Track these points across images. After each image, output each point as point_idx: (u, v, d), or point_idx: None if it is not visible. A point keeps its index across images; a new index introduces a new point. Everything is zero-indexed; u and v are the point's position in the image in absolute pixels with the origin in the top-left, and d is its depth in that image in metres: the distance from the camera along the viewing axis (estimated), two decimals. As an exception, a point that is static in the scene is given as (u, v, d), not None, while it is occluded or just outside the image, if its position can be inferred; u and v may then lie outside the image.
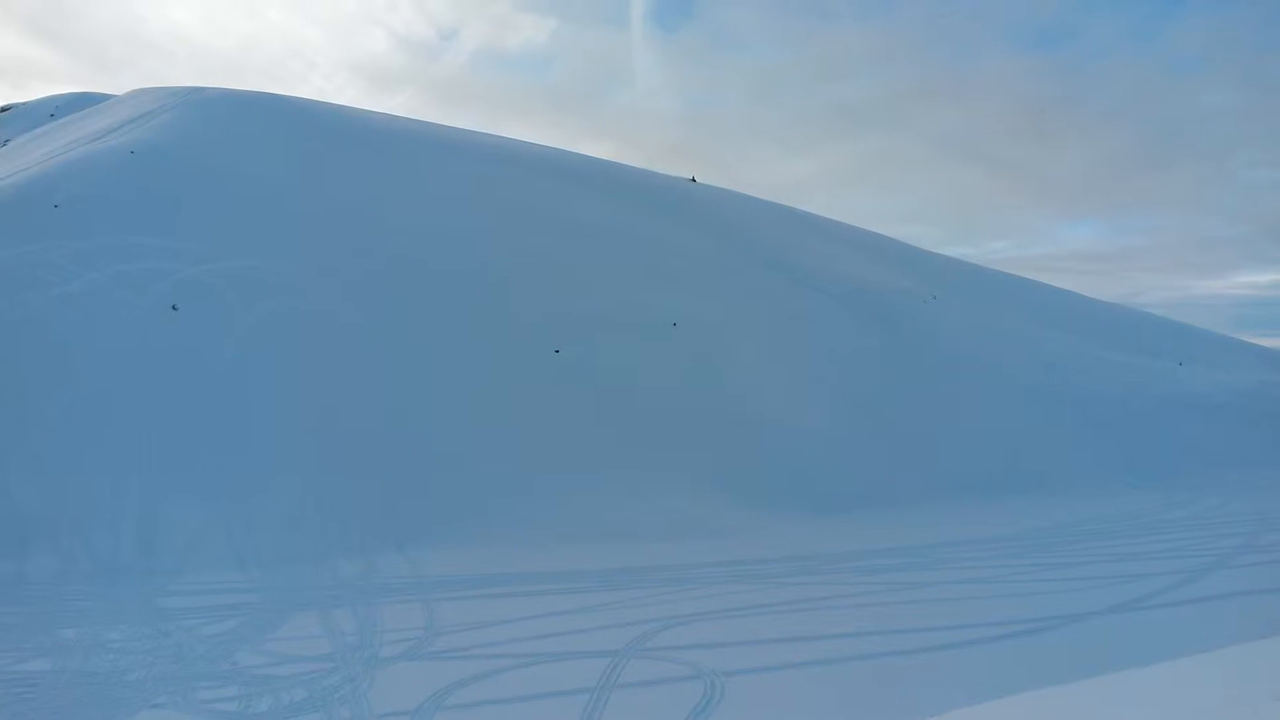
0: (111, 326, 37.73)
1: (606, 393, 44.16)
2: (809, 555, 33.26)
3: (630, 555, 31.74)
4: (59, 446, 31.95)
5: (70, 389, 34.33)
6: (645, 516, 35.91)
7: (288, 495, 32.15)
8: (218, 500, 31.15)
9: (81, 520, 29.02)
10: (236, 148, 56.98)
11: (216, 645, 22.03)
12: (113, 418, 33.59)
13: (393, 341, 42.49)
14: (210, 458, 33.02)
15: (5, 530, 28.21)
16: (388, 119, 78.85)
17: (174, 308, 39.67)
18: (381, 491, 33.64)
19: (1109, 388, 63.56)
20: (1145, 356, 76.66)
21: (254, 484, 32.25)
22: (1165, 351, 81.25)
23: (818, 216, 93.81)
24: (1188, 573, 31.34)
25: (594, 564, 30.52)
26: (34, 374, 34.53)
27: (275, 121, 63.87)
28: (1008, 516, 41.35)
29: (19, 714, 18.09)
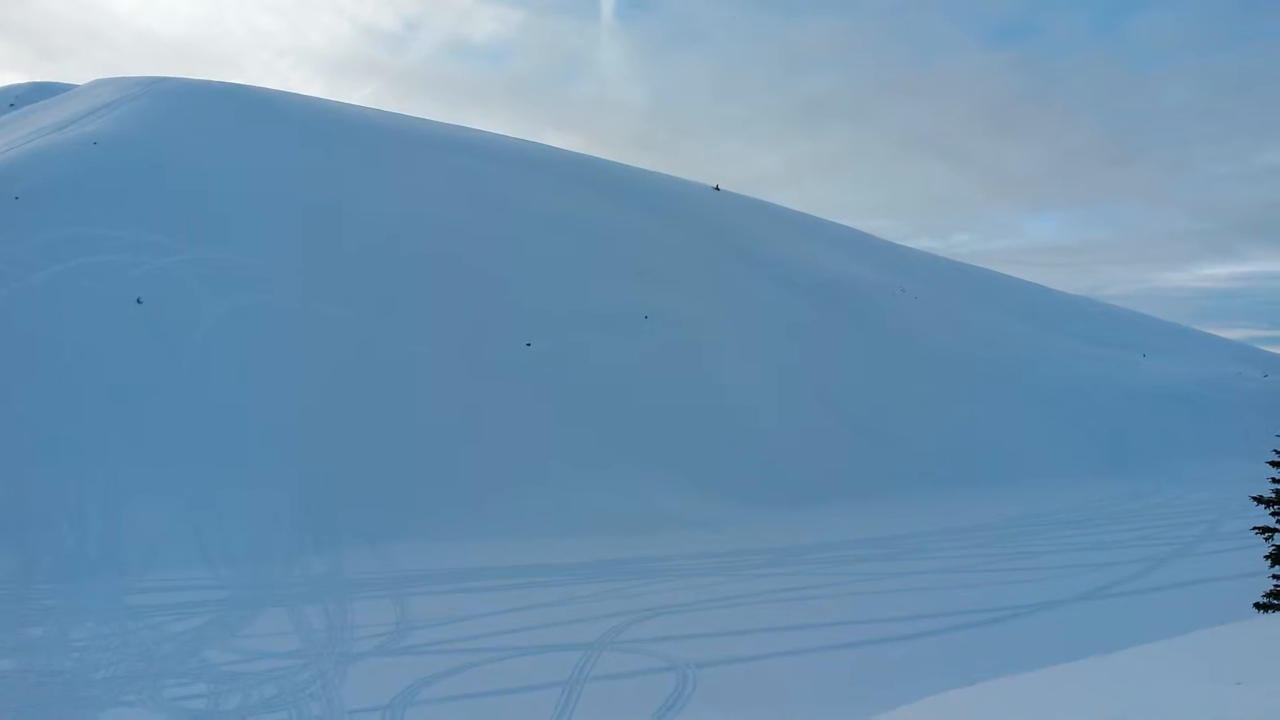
0: (75, 320, 37.13)
1: (579, 387, 44.09)
2: (783, 547, 33.45)
3: (604, 548, 31.77)
4: (22, 442, 31.43)
5: (33, 383, 33.77)
6: (619, 510, 35.93)
7: (257, 491, 31.83)
8: (185, 496, 30.79)
9: (46, 517, 28.57)
10: (202, 139, 56.21)
11: (184, 642, 21.80)
12: (77, 413, 33.08)
13: (363, 335, 42.15)
14: (177, 453, 32.62)
15: (-33, 528, 27.71)
16: (356, 110, 78.12)
17: (139, 300, 39.12)
18: (353, 487, 33.40)
19: (1075, 380, 64.36)
20: (1110, 349, 77.69)
21: (223, 480, 31.91)
22: (1130, 344, 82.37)
23: (787, 210, 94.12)
24: (1152, 560, 31.87)
25: (568, 557, 30.52)
26: (-5, 369, 33.92)
27: (241, 112, 63.06)
28: (978, 506, 41.80)
29: (-18, 714, 17.82)
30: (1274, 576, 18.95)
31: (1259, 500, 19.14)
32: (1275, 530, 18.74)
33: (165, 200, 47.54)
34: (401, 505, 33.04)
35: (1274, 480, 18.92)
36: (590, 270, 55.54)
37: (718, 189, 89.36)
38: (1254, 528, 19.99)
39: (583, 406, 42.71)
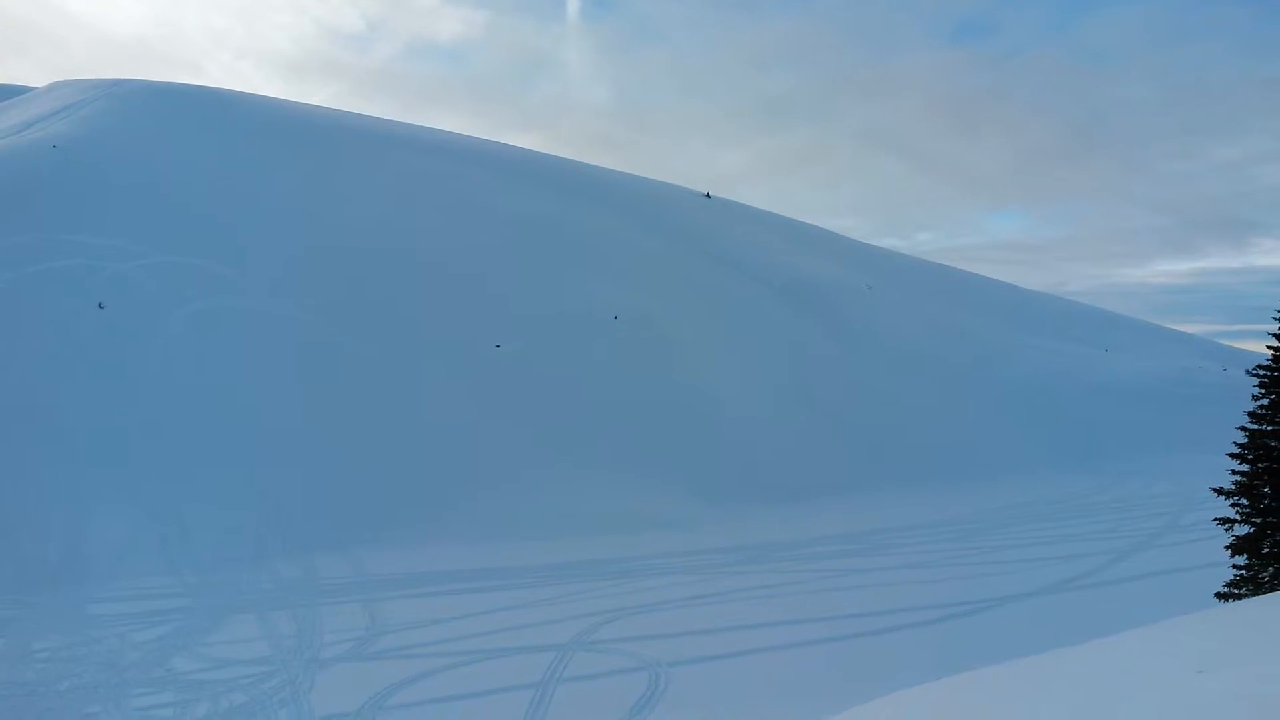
0: (36, 325, 36.47)
1: (550, 387, 43.98)
2: (756, 544, 33.55)
3: (577, 549, 31.70)
4: (-19, 451, 30.79)
5: (-8, 391, 33.10)
6: (593, 511, 35.88)
7: (224, 498, 31.44)
8: (150, 503, 30.34)
9: (6, 525, 28.02)
10: (164, 141, 55.46)
11: (150, 651, 21.47)
12: (38, 420, 32.47)
13: (330, 338, 41.77)
14: (142, 461, 32.13)
15: (-76, 539, 27.12)
16: (319, 111, 77.44)
17: (100, 306, 38.50)
18: (322, 492, 33.08)
19: (1041, 376, 65.17)
20: (1074, 344, 78.75)
21: (188, 486, 31.47)
22: (1092, 339, 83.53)
23: (754, 209, 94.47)
24: (1117, 553, 32.32)
25: (541, 559, 30.42)
26: (-48, 377, 33.23)
27: (203, 114, 62.30)
28: (949, 501, 42.20)
29: (-58, 729, 17.45)
30: (1234, 566, 19.25)
31: (1219, 492, 19.43)
32: (1235, 521, 19.05)
33: (127, 204, 46.84)
34: (372, 510, 32.77)
35: (1234, 472, 19.23)
36: (559, 271, 55.42)
37: (708, 196, 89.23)
38: (1215, 519, 20.30)
39: (554, 407, 42.60)
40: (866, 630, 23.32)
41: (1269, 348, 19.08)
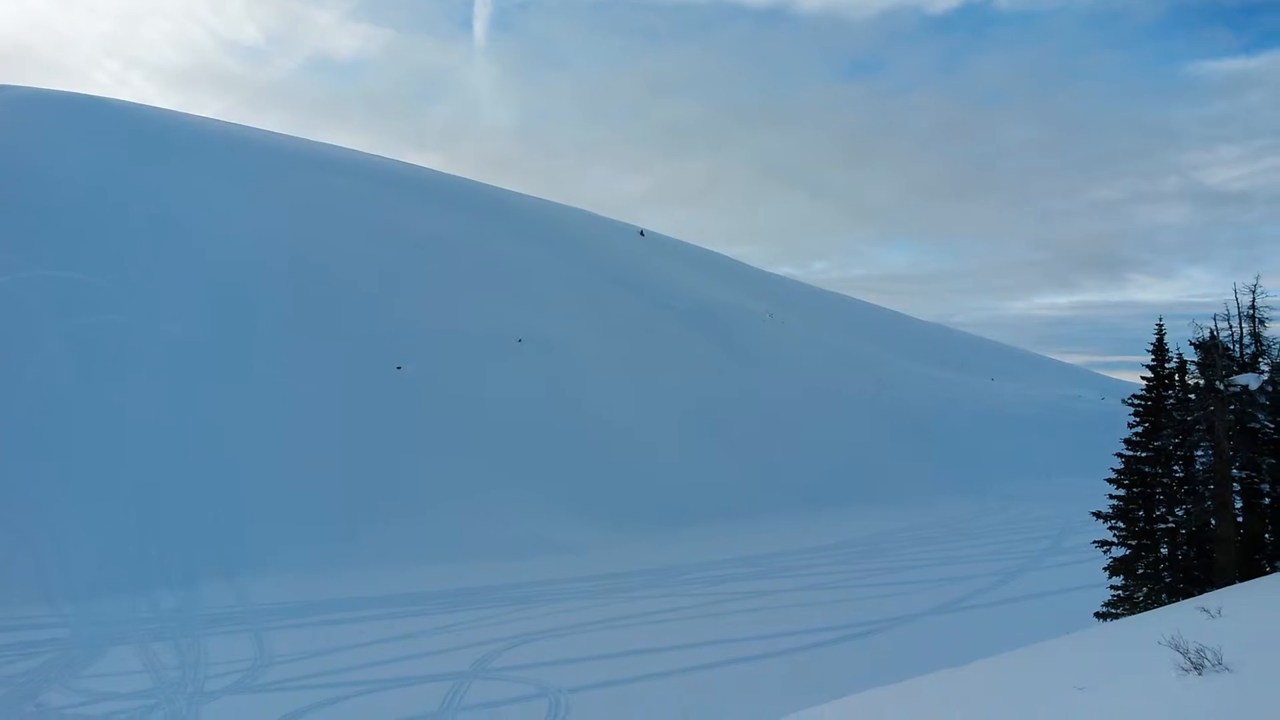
0: (-103, 341, 34.20)
1: (452, 410, 43.32)
2: (658, 568, 33.60)
3: (476, 575, 31.18)
4: None
5: None
6: (492, 536, 35.39)
7: (103, 523, 29.90)
8: (23, 528, 28.63)
9: None
10: (44, 150, 52.91)
11: (20, 685, 20.18)
12: (-103, 441, 30.37)
13: (222, 357, 40.30)
14: (14, 483, 30.33)
15: None
16: (212, 123, 75.13)
17: (-28, 321, 36.34)
18: (207, 517, 31.76)
19: (931, 402, 67.39)
20: (962, 373, 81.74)
21: (65, 510, 29.83)
22: (979, 368, 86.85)
23: (657, 234, 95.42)
24: (1001, 574, 33.48)
25: (438, 585, 29.79)
26: None
27: (89, 123, 59.70)
28: (842, 525, 43.08)
29: None
30: (1112, 587, 20.15)
31: (1098, 515, 20.36)
32: (1112, 544, 19.96)
33: (6, 214, 44.44)
34: (260, 535, 31.61)
35: (1111, 496, 20.18)
36: (461, 292, 54.82)
37: (642, 234, 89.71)
38: (1093, 541, 21.23)
39: (454, 430, 41.97)
40: (764, 653, 23.53)
41: (1143, 378, 20.15)
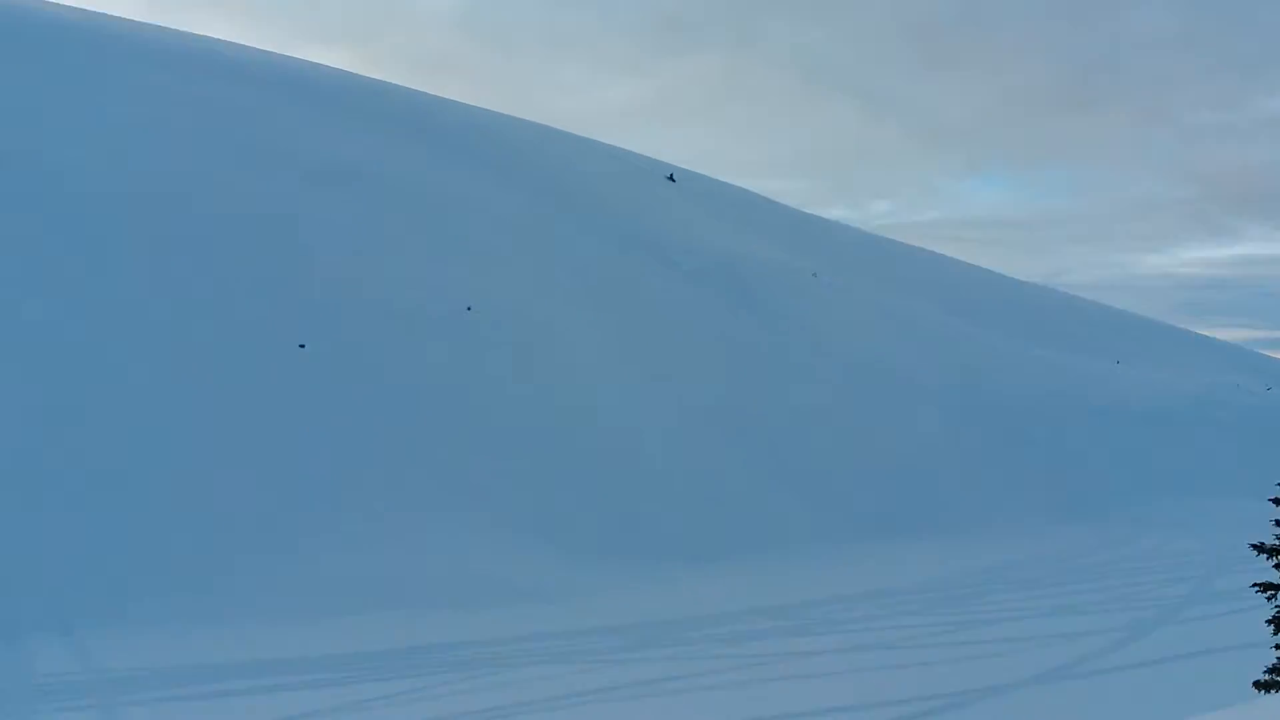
0: None
1: (374, 404, 43.22)
2: (651, 623, 33.54)
3: (410, 630, 31.13)
4: None
5: None
6: (431, 575, 35.35)
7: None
8: None
9: None
10: None
11: None
12: None
13: (54, 338, 40.12)
14: None
15: None
16: (44, 10, 74.64)
17: None
18: (39, 552, 31.70)
19: (1033, 395, 67.33)
20: (1075, 354, 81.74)
21: None
22: (1100, 347, 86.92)
23: (652, 159, 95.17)
24: (1128, 629, 33.48)
25: (358, 644, 29.72)
26: None
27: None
28: (909, 562, 43.06)
29: None
30: (1277, 647, 20.03)
31: (1259, 549, 20.19)
32: (1279, 588, 19.83)
33: None
34: (110, 577, 31.53)
35: (1278, 523, 19.99)
36: (388, 244, 54.65)
37: (671, 178, 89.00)
38: (1254, 584, 21.09)
39: (375, 430, 41.90)
40: (801, 737, 23.51)
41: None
